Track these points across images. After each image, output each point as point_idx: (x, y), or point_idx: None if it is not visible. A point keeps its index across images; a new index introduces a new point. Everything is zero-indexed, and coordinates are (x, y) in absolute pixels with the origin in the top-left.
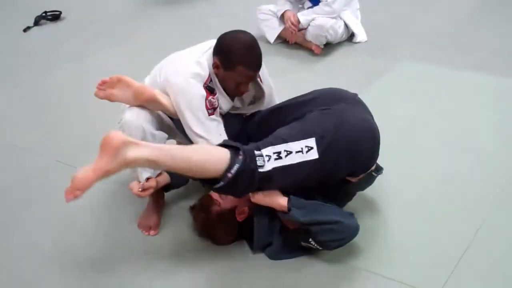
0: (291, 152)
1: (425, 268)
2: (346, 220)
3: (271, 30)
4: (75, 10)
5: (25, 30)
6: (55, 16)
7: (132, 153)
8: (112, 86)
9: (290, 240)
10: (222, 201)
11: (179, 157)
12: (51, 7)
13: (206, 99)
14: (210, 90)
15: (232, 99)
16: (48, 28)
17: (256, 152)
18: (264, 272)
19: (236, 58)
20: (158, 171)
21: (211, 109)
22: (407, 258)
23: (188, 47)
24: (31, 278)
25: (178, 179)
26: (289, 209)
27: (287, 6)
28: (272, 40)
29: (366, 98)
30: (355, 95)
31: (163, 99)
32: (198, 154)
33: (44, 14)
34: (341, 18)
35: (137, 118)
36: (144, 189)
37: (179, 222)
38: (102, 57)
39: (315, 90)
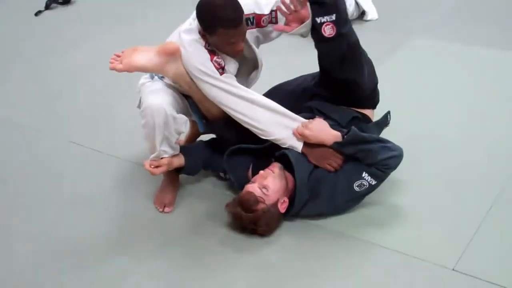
0: None
1: (440, 243)
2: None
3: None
4: None
5: (36, 14)
6: (65, 0)
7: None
8: (130, 55)
9: (340, 184)
10: (266, 196)
11: None
12: None
13: (212, 60)
14: (211, 51)
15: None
16: (59, 11)
17: None
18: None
19: (213, 22)
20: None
21: (220, 68)
22: (421, 232)
23: None
24: (48, 258)
25: (192, 166)
26: (345, 135)
27: None
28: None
29: (379, 76)
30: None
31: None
32: None
33: None
34: None
35: (160, 101)
36: (156, 166)
37: (193, 200)
38: (112, 39)
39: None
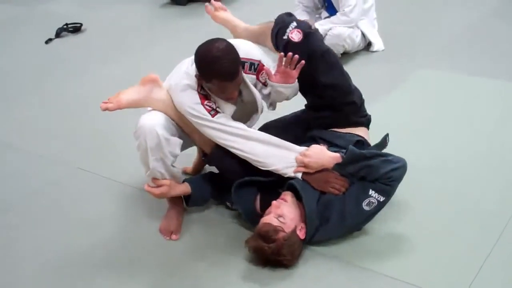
0: None
1: (447, 273)
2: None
3: None
4: (95, 22)
5: (47, 42)
6: (76, 28)
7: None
8: (117, 96)
9: (349, 206)
10: (284, 224)
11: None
12: (72, 19)
13: (203, 104)
14: (204, 95)
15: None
16: (69, 39)
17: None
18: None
19: (208, 71)
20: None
21: (212, 110)
22: (428, 263)
23: None
24: (50, 282)
25: (199, 196)
26: (344, 156)
27: (304, 16)
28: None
29: (385, 106)
30: None
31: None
32: None
33: (65, 26)
34: (358, 27)
35: (152, 123)
36: (157, 186)
37: (200, 228)
38: (121, 68)
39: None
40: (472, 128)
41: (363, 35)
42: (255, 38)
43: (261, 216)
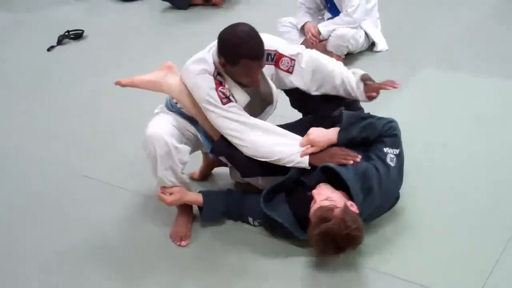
0: None
1: (446, 273)
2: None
3: (291, 42)
4: (97, 28)
5: (49, 49)
6: (77, 35)
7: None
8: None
9: (379, 165)
10: (334, 202)
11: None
12: (73, 26)
13: (217, 89)
14: (219, 81)
15: (247, 92)
16: (71, 46)
17: None
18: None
19: (237, 52)
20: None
21: (225, 98)
22: (429, 262)
23: None
24: (50, 282)
25: (211, 208)
26: (343, 124)
27: (307, 18)
28: None
29: (390, 108)
30: None
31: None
32: None
33: (67, 33)
34: (361, 28)
35: (160, 131)
36: (169, 193)
37: (209, 234)
38: (123, 74)
39: None
40: (473, 127)
41: (367, 35)
42: None
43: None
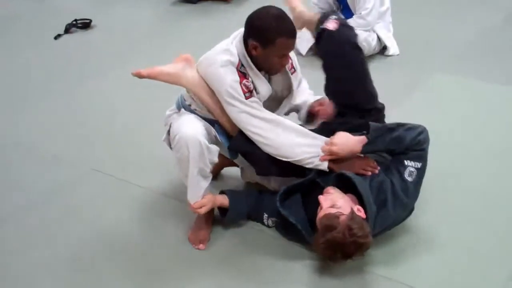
0: None
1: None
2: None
3: (303, 42)
4: (105, 18)
5: (56, 38)
6: (85, 24)
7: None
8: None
9: (395, 180)
10: (340, 209)
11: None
12: (81, 15)
13: (241, 82)
14: (242, 74)
15: (269, 82)
16: (79, 36)
17: None
18: None
19: (273, 31)
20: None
21: (248, 92)
22: (430, 266)
23: None
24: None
25: (237, 209)
26: (370, 137)
27: None
28: (304, 52)
29: (401, 111)
30: None
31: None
32: None
33: (74, 22)
34: (374, 31)
35: (194, 132)
36: (201, 206)
37: (227, 238)
38: (132, 66)
39: None
40: (485, 133)
41: (379, 38)
42: (303, 23)
43: (315, 221)
